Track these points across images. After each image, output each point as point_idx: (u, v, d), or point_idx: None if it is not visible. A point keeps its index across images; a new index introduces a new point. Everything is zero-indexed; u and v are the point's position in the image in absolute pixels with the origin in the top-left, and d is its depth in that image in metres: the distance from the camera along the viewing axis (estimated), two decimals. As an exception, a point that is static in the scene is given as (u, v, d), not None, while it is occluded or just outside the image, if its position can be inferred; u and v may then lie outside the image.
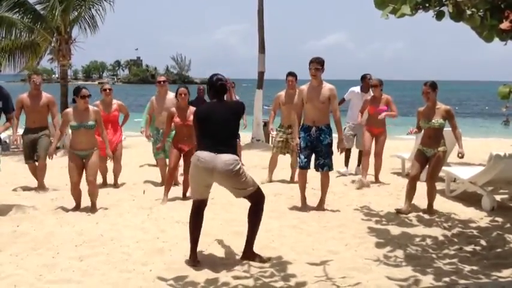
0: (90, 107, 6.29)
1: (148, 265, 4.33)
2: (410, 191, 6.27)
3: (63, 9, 12.47)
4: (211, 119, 4.30)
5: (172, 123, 6.77)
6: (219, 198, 6.16)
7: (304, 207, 6.35)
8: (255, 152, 11.43)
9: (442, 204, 6.57)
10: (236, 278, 4.06)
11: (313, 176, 6.67)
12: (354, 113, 8.66)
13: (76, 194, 6.25)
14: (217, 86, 4.42)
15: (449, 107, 6.27)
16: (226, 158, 4.16)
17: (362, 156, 8.19)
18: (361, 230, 5.46)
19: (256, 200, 4.44)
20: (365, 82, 8.67)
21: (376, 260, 4.52)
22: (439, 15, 3.38)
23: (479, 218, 6.03)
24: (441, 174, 7.49)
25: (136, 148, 12.28)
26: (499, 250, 4.84)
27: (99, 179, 7.02)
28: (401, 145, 12.13)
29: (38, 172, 7.40)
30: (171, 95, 7.68)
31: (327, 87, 6.22)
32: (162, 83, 7.84)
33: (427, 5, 3.37)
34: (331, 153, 6.30)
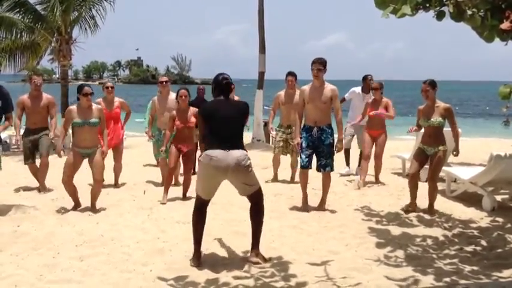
0: (94, 105, 6.30)
1: (149, 265, 4.33)
2: (413, 189, 6.29)
3: (63, 10, 12.49)
4: (217, 115, 4.33)
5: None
6: (219, 198, 6.12)
7: (306, 206, 6.35)
8: (255, 152, 11.42)
9: (442, 204, 6.57)
10: (236, 278, 4.06)
11: (314, 176, 6.68)
12: (355, 113, 8.69)
13: (71, 190, 6.20)
14: (223, 84, 4.45)
15: (449, 105, 6.26)
16: (238, 153, 4.22)
17: (361, 159, 8.19)
18: (362, 230, 5.46)
19: (257, 199, 4.46)
20: (366, 83, 8.68)
21: (377, 260, 4.52)
22: (440, 15, 3.38)
23: (480, 218, 6.03)
24: (442, 174, 7.49)
25: (137, 148, 12.28)
26: (499, 250, 4.83)
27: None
28: (401, 145, 12.13)
29: (41, 169, 7.40)
30: (173, 96, 7.68)
31: (329, 87, 6.22)
32: (164, 83, 7.83)
33: (427, 5, 3.36)
34: (333, 153, 6.30)
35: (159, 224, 5.63)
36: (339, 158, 8.91)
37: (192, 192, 5.91)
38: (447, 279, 4.04)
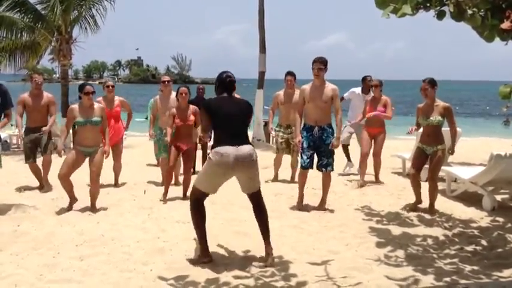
0: (95, 104, 6.30)
1: (149, 265, 4.33)
2: (416, 187, 6.33)
3: (63, 9, 12.47)
4: (221, 112, 4.35)
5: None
6: (219, 198, 6.15)
7: (301, 206, 6.35)
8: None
9: (442, 204, 6.57)
10: (237, 277, 4.06)
11: (314, 176, 6.67)
12: (354, 113, 8.73)
13: (67, 186, 6.15)
14: (226, 82, 4.48)
15: (448, 104, 6.24)
16: (247, 148, 4.28)
17: (360, 158, 8.20)
18: (362, 230, 5.46)
19: (259, 199, 4.50)
20: (365, 84, 8.69)
21: (377, 260, 4.52)
22: (440, 15, 3.38)
23: (480, 218, 6.03)
24: (442, 174, 7.49)
25: (138, 147, 12.28)
26: (499, 250, 4.83)
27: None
28: (401, 145, 12.13)
29: (44, 166, 7.42)
30: (174, 95, 7.68)
31: (330, 87, 6.22)
32: (166, 83, 7.83)
33: (428, 4, 3.36)
34: (333, 153, 6.30)
35: (160, 223, 5.63)
36: (339, 158, 8.94)
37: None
38: (447, 279, 4.04)
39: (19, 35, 12.93)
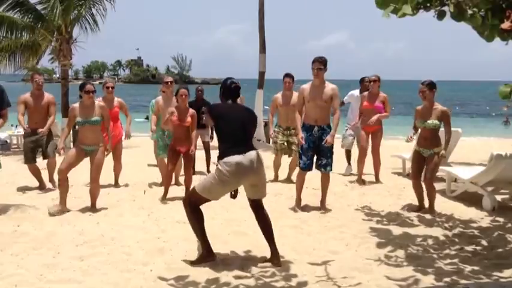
0: (96, 103, 6.30)
1: (149, 265, 4.33)
2: (418, 190, 6.32)
3: (63, 9, 12.46)
4: (227, 118, 4.36)
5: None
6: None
7: (299, 207, 6.35)
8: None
9: (443, 204, 6.57)
10: (237, 277, 4.06)
11: (314, 175, 6.67)
12: (354, 115, 8.74)
13: (62, 183, 6.07)
14: (231, 88, 4.49)
15: (446, 108, 6.21)
16: (255, 154, 4.29)
17: (358, 156, 8.23)
18: (362, 230, 5.46)
19: (261, 204, 4.51)
20: (363, 85, 8.70)
21: (377, 260, 4.52)
22: (440, 15, 3.38)
23: (480, 218, 6.03)
24: (442, 174, 7.49)
25: (138, 148, 12.27)
26: (500, 250, 4.83)
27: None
28: (401, 145, 12.12)
29: (49, 169, 7.46)
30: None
31: (329, 86, 6.22)
32: (169, 83, 7.82)
33: (428, 4, 3.36)
34: (333, 153, 6.30)
35: (160, 223, 5.63)
36: (340, 159, 8.95)
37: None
38: (447, 279, 4.04)
39: (19, 35, 12.92)
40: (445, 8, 3.35)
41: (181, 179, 7.52)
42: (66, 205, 6.11)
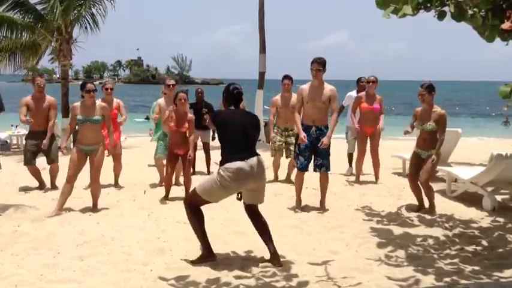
0: (97, 103, 6.30)
1: (149, 265, 4.33)
2: (416, 192, 6.32)
3: (63, 9, 12.46)
4: (230, 124, 4.38)
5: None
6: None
7: (299, 208, 6.35)
8: (255, 152, 11.40)
9: (443, 204, 6.57)
10: (237, 277, 4.06)
11: (314, 176, 6.67)
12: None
13: (67, 190, 6.08)
14: (234, 94, 4.52)
15: (444, 111, 6.18)
16: (257, 160, 4.31)
17: (357, 156, 8.23)
18: (362, 230, 5.46)
19: (257, 208, 4.54)
20: (360, 85, 8.71)
21: (377, 260, 4.52)
22: (441, 15, 3.38)
23: (481, 218, 6.03)
24: (442, 174, 7.49)
25: (138, 148, 12.28)
26: (500, 250, 4.83)
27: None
28: (401, 145, 12.13)
29: (51, 174, 7.49)
30: None
31: (328, 87, 6.23)
32: (171, 86, 7.82)
33: (428, 5, 3.37)
34: (329, 154, 6.30)
35: (160, 223, 5.63)
36: (341, 159, 8.95)
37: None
38: (448, 279, 4.04)
39: (19, 35, 12.92)
40: (446, 8, 3.36)
41: (181, 179, 7.52)
42: (62, 210, 6.06)
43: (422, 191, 6.26)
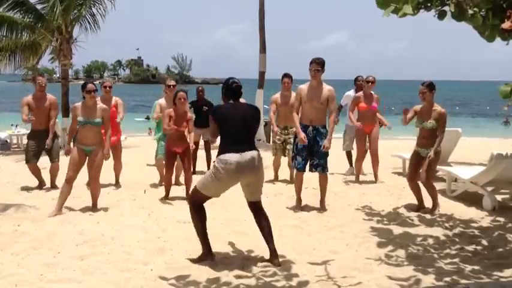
0: (98, 104, 6.28)
1: (149, 264, 4.33)
2: (416, 191, 6.32)
3: (63, 9, 12.45)
4: (230, 118, 4.38)
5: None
6: (219, 198, 6.14)
7: (300, 208, 6.35)
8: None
9: (443, 204, 6.56)
10: (237, 277, 4.06)
11: (314, 175, 6.66)
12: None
13: (66, 190, 6.06)
14: (233, 88, 4.51)
15: (444, 110, 6.18)
16: (253, 154, 4.30)
17: (356, 156, 8.21)
18: (362, 230, 5.46)
19: (260, 205, 4.52)
20: (357, 84, 8.71)
21: (377, 260, 4.52)
22: (441, 15, 3.38)
23: (481, 217, 6.03)
24: (442, 174, 7.49)
25: (138, 148, 12.28)
26: (500, 250, 4.83)
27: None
28: (401, 145, 12.12)
29: (52, 173, 7.49)
30: None
31: (326, 88, 6.23)
32: (172, 87, 7.81)
33: (428, 4, 3.37)
34: (327, 154, 6.29)
35: (160, 223, 5.63)
36: (341, 159, 8.95)
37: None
38: (448, 279, 4.04)
39: (19, 35, 12.91)
40: (446, 8, 3.36)
41: (182, 179, 7.52)
42: (61, 210, 6.04)
43: (425, 190, 6.25)
